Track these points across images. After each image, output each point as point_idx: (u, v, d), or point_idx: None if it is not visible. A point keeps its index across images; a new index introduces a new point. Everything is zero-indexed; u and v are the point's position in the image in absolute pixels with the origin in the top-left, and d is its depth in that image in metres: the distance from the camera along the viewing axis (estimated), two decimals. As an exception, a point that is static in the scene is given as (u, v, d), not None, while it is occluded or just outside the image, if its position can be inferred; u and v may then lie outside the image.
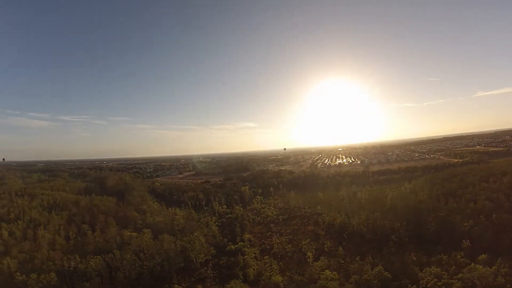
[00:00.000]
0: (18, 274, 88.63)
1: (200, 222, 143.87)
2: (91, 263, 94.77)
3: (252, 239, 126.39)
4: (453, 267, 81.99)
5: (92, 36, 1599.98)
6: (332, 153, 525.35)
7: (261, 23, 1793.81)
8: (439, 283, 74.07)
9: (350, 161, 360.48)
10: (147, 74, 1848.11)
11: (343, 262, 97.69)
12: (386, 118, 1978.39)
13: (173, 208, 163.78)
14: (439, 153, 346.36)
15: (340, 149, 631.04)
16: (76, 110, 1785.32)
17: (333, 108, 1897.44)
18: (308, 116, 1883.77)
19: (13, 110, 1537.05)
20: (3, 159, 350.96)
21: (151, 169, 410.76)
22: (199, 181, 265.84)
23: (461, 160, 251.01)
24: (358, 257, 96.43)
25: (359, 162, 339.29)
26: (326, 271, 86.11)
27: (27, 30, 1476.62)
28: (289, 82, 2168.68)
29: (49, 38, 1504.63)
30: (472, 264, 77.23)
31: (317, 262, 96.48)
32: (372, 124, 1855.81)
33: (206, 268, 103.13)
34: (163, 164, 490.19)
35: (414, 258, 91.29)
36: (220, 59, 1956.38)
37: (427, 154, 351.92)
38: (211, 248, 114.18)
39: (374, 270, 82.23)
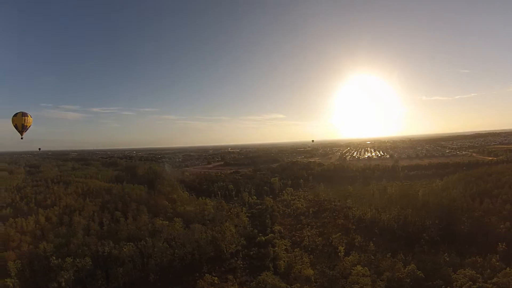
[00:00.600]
0: (54, 258, 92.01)
1: (230, 213, 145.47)
2: (124, 249, 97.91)
3: (282, 231, 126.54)
4: (488, 270, 79.26)
5: (119, 30, 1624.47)
6: (361, 146, 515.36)
7: (292, 16, 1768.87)
8: (473, 286, 71.91)
9: (379, 155, 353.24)
10: (175, 65, 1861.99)
11: (373, 258, 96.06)
12: (415, 111, 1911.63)
13: (203, 198, 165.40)
14: (471, 150, 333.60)
15: (368, 142, 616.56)
16: (106, 102, 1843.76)
17: (361, 101, 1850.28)
18: (336, 109, 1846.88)
19: (46, 103, 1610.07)
20: (39, 149, 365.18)
21: (180, 159, 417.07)
22: (228, 172, 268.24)
23: (495, 158, 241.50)
24: (389, 253, 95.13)
25: (388, 156, 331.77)
26: (357, 266, 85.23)
27: (57, 27, 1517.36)
28: (317, 75, 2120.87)
29: (78, 34, 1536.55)
30: (508, 268, 74.74)
31: (348, 256, 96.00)
32: (401, 117, 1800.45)
33: (236, 258, 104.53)
34: (191, 154, 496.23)
35: (447, 259, 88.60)
36: (249, 50, 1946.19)
37: (459, 151, 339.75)
38: (242, 238, 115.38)
39: (407, 268, 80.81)
